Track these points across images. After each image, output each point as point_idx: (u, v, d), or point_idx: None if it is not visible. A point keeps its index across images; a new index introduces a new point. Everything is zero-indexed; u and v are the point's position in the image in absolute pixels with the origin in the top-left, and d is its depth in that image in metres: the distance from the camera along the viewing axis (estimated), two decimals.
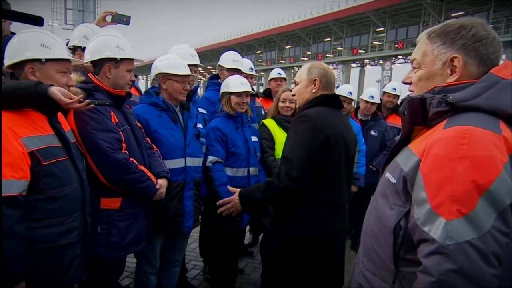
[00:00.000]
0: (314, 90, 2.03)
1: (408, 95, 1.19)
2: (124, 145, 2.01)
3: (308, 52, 36.17)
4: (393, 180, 1.09)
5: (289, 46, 38.73)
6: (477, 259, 0.85)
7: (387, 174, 1.14)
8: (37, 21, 1.15)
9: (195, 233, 3.31)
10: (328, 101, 2.04)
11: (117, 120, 2.02)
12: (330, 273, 2.04)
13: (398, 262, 1.05)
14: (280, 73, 4.17)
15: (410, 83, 1.21)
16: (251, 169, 2.82)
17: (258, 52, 42.71)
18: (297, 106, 2.18)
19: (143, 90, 3.10)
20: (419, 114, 1.09)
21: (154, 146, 2.33)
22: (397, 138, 1.25)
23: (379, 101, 4.25)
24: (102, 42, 2.05)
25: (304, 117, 1.94)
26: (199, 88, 3.24)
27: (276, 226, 2.12)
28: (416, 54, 1.17)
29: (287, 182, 1.86)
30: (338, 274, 2.11)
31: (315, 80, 2.02)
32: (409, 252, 1.02)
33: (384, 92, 4.48)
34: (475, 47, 1.05)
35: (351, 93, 3.89)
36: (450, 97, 1.01)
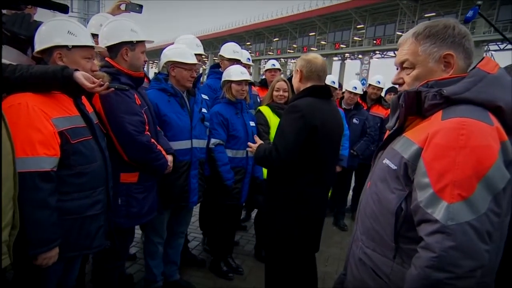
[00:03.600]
0: (298, 80, 2.08)
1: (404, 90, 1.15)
2: (147, 127, 2.02)
3: (294, 45, 35.91)
4: (394, 167, 1.09)
5: (277, 39, 38.31)
6: (474, 237, 0.89)
7: (386, 161, 1.14)
8: (63, 8, 1.14)
9: (195, 208, 3.35)
10: (318, 92, 2.06)
11: (140, 102, 2.02)
12: (308, 239, 2.14)
13: (398, 239, 1.07)
14: (274, 64, 4.17)
15: (400, 84, 1.19)
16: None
17: (248, 43, 42.06)
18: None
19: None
20: (414, 105, 1.10)
21: (157, 126, 2.33)
22: (388, 125, 1.24)
23: (361, 92, 4.31)
24: (117, 27, 2.01)
25: (294, 108, 1.98)
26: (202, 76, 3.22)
27: (268, 201, 2.21)
28: (406, 55, 1.14)
29: (276, 163, 1.97)
30: (314, 241, 2.21)
31: (297, 70, 2.08)
32: (409, 231, 1.04)
33: (369, 85, 4.54)
34: (461, 43, 1.08)
35: (334, 82, 3.97)
36: (445, 91, 1.02)
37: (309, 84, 2.05)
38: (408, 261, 1.03)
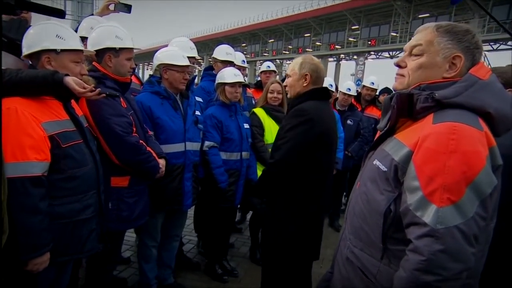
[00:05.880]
0: (305, 84, 2.02)
1: (397, 91, 1.17)
2: (134, 129, 2.00)
3: (290, 46, 36.01)
4: (384, 168, 1.10)
5: (272, 40, 38.42)
6: (462, 241, 0.91)
7: (376, 162, 1.14)
8: (59, 13, 1.13)
9: (189, 211, 3.33)
10: (319, 94, 2.04)
11: (126, 106, 2.01)
12: (309, 245, 2.09)
13: (386, 240, 1.08)
14: (269, 66, 4.18)
15: (402, 67, 1.17)
16: (243, 153, 2.85)
17: (243, 45, 42.11)
18: (288, 96, 2.19)
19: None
20: (406, 107, 1.10)
21: (148, 130, 2.31)
22: (379, 126, 1.24)
23: (355, 93, 4.32)
24: (101, 33, 2.00)
25: (301, 111, 1.93)
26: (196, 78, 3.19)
27: (272, 203, 2.12)
28: (421, 41, 1.12)
29: (275, 167, 1.94)
30: (315, 248, 2.16)
31: (306, 75, 2.01)
32: (397, 232, 1.05)
33: (363, 86, 4.55)
34: (473, 52, 1.08)
35: (331, 85, 3.97)
36: (436, 94, 1.02)
37: (310, 87, 2.03)
38: (395, 262, 1.04)
